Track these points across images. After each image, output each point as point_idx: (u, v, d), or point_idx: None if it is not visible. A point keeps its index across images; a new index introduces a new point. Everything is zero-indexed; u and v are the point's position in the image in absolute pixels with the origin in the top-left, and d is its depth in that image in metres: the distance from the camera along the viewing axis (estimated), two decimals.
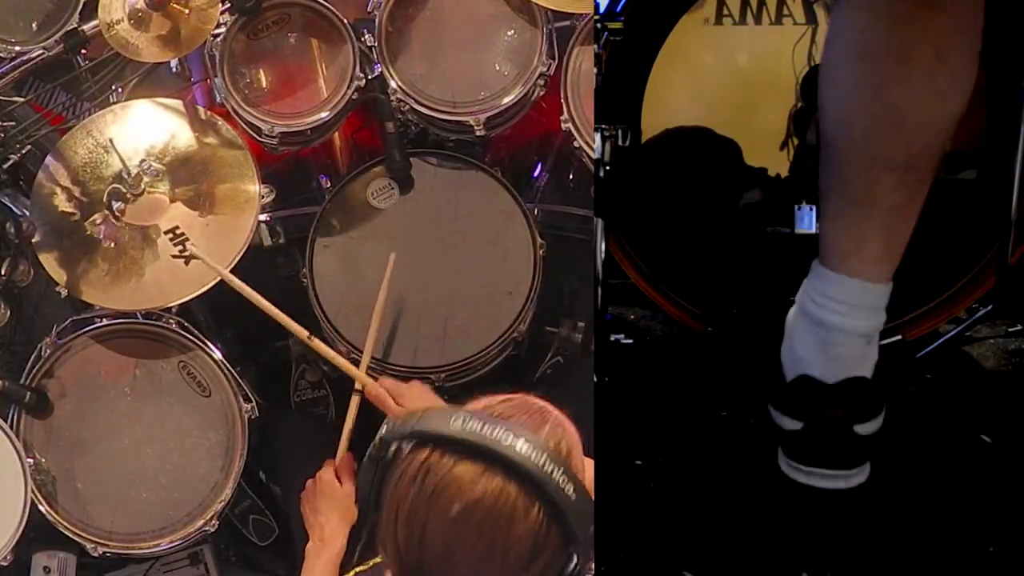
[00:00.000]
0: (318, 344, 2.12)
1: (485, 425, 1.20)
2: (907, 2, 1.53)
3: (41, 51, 2.31)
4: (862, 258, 1.67)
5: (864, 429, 1.67)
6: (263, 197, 2.21)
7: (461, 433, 1.20)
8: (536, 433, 1.22)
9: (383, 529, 1.24)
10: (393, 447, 1.27)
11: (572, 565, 1.22)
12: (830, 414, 1.67)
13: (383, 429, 1.28)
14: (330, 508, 1.96)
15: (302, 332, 2.10)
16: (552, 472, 1.19)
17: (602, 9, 2.15)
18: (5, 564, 2.03)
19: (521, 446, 1.19)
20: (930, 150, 1.62)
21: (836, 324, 1.69)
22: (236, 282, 2.10)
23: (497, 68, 2.30)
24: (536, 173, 2.60)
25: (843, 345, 1.69)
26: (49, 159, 2.24)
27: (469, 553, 1.19)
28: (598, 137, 2.06)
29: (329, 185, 2.39)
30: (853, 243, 1.68)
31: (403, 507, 1.21)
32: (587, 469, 1.35)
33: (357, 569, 1.59)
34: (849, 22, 1.61)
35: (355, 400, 2.09)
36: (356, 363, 2.13)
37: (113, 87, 2.30)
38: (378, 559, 1.53)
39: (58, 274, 2.15)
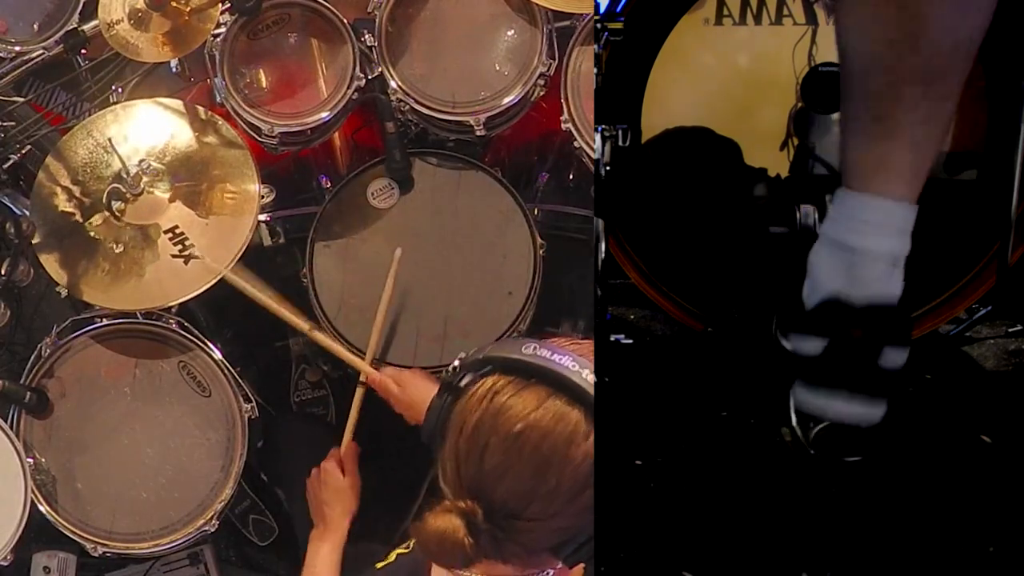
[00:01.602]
0: (320, 336, 2.12)
1: (554, 353, 1.28)
2: None
3: (41, 51, 2.31)
4: (887, 176, 1.64)
5: (889, 360, 1.64)
6: (263, 197, 2.20)
7: (531, 358, 1.28)
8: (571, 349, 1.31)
9: (445, 451, 1.29)
10: (467, 377, 1.34)
11: None
12: (855, 333, 1.64)
13: (457, 361, 1.37)
14: (333, 498, 2.00)
15: (302, 325, 2.11)
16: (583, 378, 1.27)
17: (602, 9, 2.15)
18: (5, 564, 2.03)
19: (587, 375, 1.26)
20: (953, 62, 1.59)
21: (861, 245, 1.65)
22: (238, 281, 2.10)
23: (497, 68, 2.30)
24: (536, 173, 2.60)
25: (869, 266, 1.65)
26: (49, 159, 2.24)
27: (524, 470, 1.24)
28: (598, 137, 2.06)
29: (329, 185, 2.39)
30: (877, 161, 1.64)
31: (468, 423, 1.27)
32: None
33: (399, 551, 1.60)
34: None
35: (359, 392, 2.10)
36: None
37: (113, 87, 2.30)
38: (411, 543, 1.55)
39: (58, 274, 2.15)
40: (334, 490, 2.01)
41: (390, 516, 2.01)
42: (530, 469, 1.23)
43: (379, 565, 1.59)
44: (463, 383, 1.34)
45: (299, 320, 2.18)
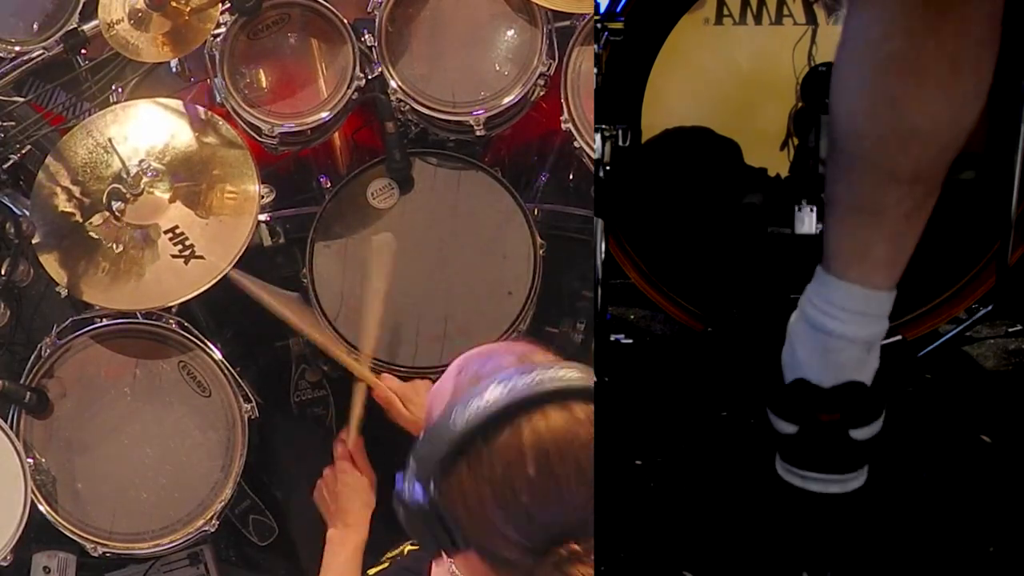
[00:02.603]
0: (320, 340, 2.11)
1: (480, 404, 1.18)
2: (925, 14, 1.51)
3: (41, 51, 2.31)
4: (866, 265, 1.66)
5: (860, 434, 1.67)
6: (263, 197, 2.21)
7: (468, 425, 1.18)
8: (542, 360, 1.25)
9: (485, 535, 1.20)
10: (432, 489, 1.22)
11: None
12: (824, 418, 1.66)
13: (397, 486, 1.25)
14: (352, 496, 1.94)
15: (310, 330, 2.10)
16: (558, 372, 1.20)
17: (602, 9, 2.15)
18: (5, 564, 2.03)
19: (519, 383, 1.19)
20: (940, 162, 1.61)
21: (837, 330, 1.68)
22: (244, 282, 2.09)
23: (497, 68, 2.30)
24: (536, 173, 2.60)
25: (843, 351, 1.68)
26: (49, 159, 2.24)
27: (569, 483, 1.18)
28: (598, 137, 2.06)
29: (329, 185, 2.39)
30: (858, 250, 1.66)
31: (488, 511, 1.18)
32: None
33: (392, 554, 1.58)
34: (862, 31, 1.59)
35: (361, 388, 2.08)
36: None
37: (113, 87, 2.30)
38: (411, 546, 1.52)
39: (58, 274, 2.15)
40: (353, 487, 1.94)
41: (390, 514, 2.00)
42: (571, 476, 1.20)
43: (372, 572, 1.58)
44: (431, 491, 1.21)
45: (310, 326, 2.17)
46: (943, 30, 1.52)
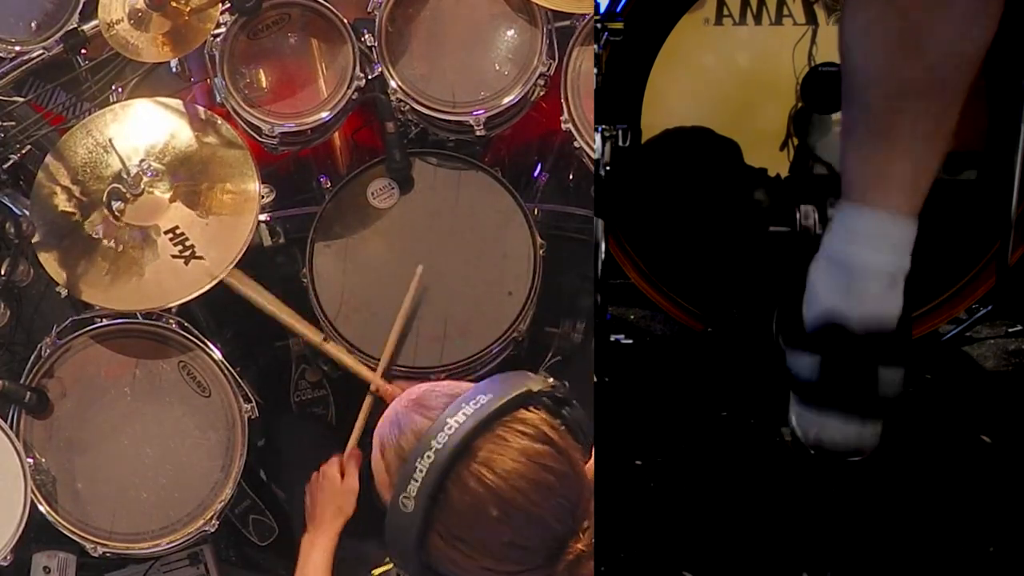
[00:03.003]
0: (331, 349, 2.12)
1: (414, 467, 1.20)
2: None
3: (41, 51, 2.31)
4: (887, 189, 1.62)
5: (885, 380, 1.63)
6: (263, 197, 2.21)
7: (411, 499, 1.20)
8: (440, 399, 1.26)
9: (497, 567, 1.23)
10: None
11: None
12: (853, 355, 1.62)
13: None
14: (329, 500, 2.00)
15: (315, 337, 2.11)
16: (497, 397, 1.23)
17: (602, 9, 2.15)
18: (5, 564, 2.03)
19: (450, 427, 1.21)
20: (955, 77, 1.58)
21: (860, 260, 1.63)
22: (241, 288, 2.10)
23: (497, 68, 2.30)
24: (536, 173, 2.60)
25: (868, 283, 1.63)
26: (49, 159, 2.24)
27: (536, 503, 1.21)
28: (598, 137, 2.06)
29: (329, 185, 2.39)
30: (877, 174, 1.62)
31: (473, 557, 1.22)
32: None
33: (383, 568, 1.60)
34: None
35: (368, 401, 2.11)
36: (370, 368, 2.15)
37: (113, 87, 2.30)
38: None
39: (58, 274, 2.15)
40: (330, 493, 2.02)
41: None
42: (536, 495, 1.20)
43: (377, 572, 1.59)
44: (424, 569, 1.25)
45: (311, 330, 2.18)
46: None
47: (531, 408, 1.24)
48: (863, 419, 1.63)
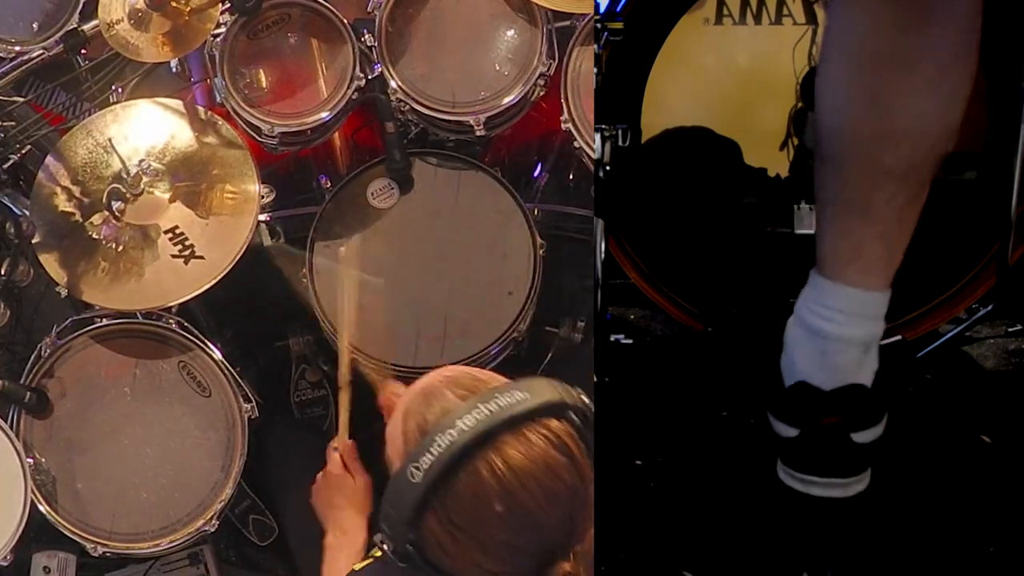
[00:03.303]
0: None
1: (426, 451, 1.19)
2: (914, 12, 1.51)
3: (41, 51, 2.31)
4: (860, 266, 1.66)
5: (862, 437, 1.67)
6: (263, 197, 2.21)
7: (425, 477, 1.19)
8: (485, 388, 1.25)
9: (482, 564, 1.22)
10: (410, 538, 1.23)
11: None
12: (826, 421, 1.66)
13: (378, 539, 1.26)
14: (347, 503, 1.90)
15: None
16: (533, 398, 1.22)
17: (602, 9, 2.15)
18: (5, 564, 2.03)
19: (462, 426, 1.20)
20: (930, 159, 1.61)
21: (833, 333, 1.68)
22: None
23: (497, 68, 2.30)
24: (536, 173, 2.60)
25: (841, 354, 1.68)
26: (49, 159, 2.24)
27: (540, 508, 1.20)
28: (598, 137, 2.06)
29: (329, 185, 2.39)
30: (851, 251, 1.66)
31: (468, 553, 1.21)
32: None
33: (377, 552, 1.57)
34: (849, 29, 1.59)
35: (346, 393, 2.07)
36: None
37: (113, 87, 2.30)
38: (377, 553, 1.52)
39: (58, 274, 2.15)
40: (347, 493, 1.91)
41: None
42: (542, 502, 1.19)
43: (358, 567, 1.57)
44: (411, 549, 1.23)
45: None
46: (928, 26, 1.52)
47: (560, 419, 1.24)
48: (844, 478, 1.66)
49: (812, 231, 2.14)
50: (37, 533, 2.14)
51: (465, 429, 1.19)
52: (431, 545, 1.22)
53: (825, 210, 1.70)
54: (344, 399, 2.06)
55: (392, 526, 1.23)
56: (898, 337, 2.14)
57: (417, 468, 1.19)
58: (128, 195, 2.17)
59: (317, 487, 1.95)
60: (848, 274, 1.67)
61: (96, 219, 2.18)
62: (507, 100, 2.27)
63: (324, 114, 2.24)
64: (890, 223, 1.64)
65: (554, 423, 1.23)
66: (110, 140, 2.21)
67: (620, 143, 2.09)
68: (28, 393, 2.12)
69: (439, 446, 1.19)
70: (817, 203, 1.72)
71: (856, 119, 1.60)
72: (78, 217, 2.19)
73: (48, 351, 2.17)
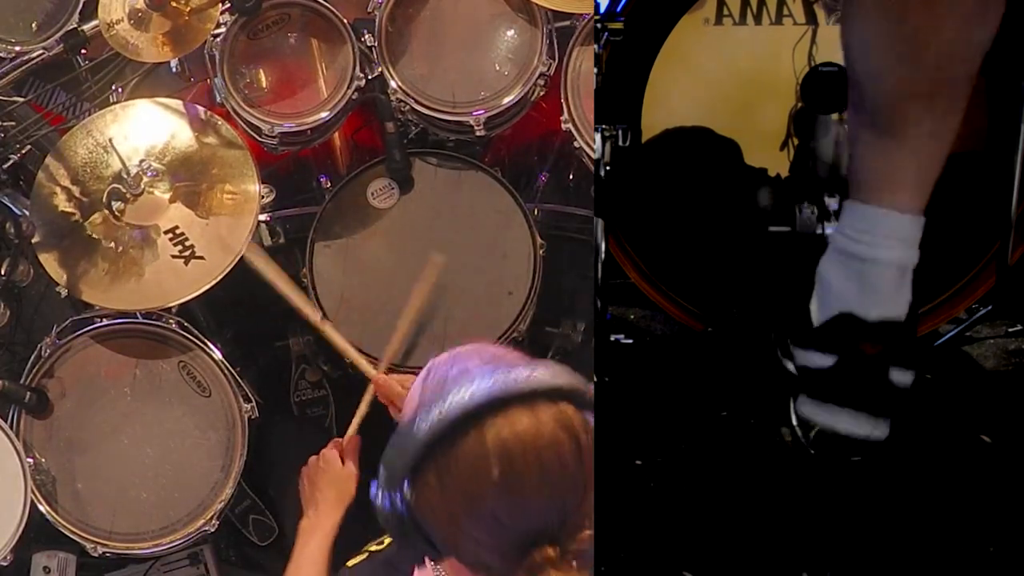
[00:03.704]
0: (331, 333, 2.10)
1: (440, 411, 1.19)
2: None
3: (41, 51, 2.31)
4: (893, 188, 1.67)
5: (898, 377, 1.65)
6: (263, 197, 2.21)
7: (438, 425, 1.18)
8: (511, 361, 1.24)
9: (459, 545, 1.21)
10: (400, 495, 1.22)
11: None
12: (869, 350, 1.65)
13: (374, 490, 1.25)
14: (328, 485, 1.93)
15: (314, 316, 2.09)
16: (517, 374, 1.20)
17: (602, 9, 2.15)
18: (5, 564, 2.03)
19: (475, 390, 1.19)
20: (957, 77, 1.61)
21: (871, 255, 1.68)
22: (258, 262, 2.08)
23: (497, 68, 2.30)
24: (536, 173, 2.60)
25: (879, 276, 1.67)
26: (49, 159, 2.24)
27: (532, 485, 1.18)
28: (598, 137, 2.06)
29: (329, 185, 2.39)
30: (885, 173, 1.67)
31: (455, 515, 1.19)
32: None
33: (372, 547, 1.57)
34: None
35: (372, 388, 2.08)
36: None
37: (113, 87, 2.30)
38: (372, 548, 1.52)
39: (58, 274, 2.15)
40: (332, 477, 1.93)
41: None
42: (534, 478, 1.20)
43: (350, 563, 1.57)
44: (402, 502, 1.22)
45: (311, 310, 2.16)
46: None
47: (577, 407, 1.24)
48: (875, 416, 1.65)
49: (812, 231, 2.16)
50: (37, 533, 2.14)
51: (479, 390, 1.19)
52: (423, 501, 1.21)
53: (856, 134, 1.70)
54: (368, 394, 2.06)
55: (390, 471, 1.22)
56: None
57: (427, 418, 1.19)
58: (128, 195, 2.17)
59: (306, 469, 1.97)
60: (882, 195, 1.68)
61: (96, 219, 2.18)
62: (507, 100, 2.27)
63: (324, 114, 2.25)
64: (921, 144, 1.64)
65: (570, 409, 1.23)
66: (110, 140, 2.21)
67: (620, 143, 2.09)
68: (28, 393, 2.12)
69: (451, 401, 1.19)
70: (848, 129, 1.73)
71: (879, 38, 1.60)
72: (78, 217, 2.19)
73: (48, 351, 2.17)
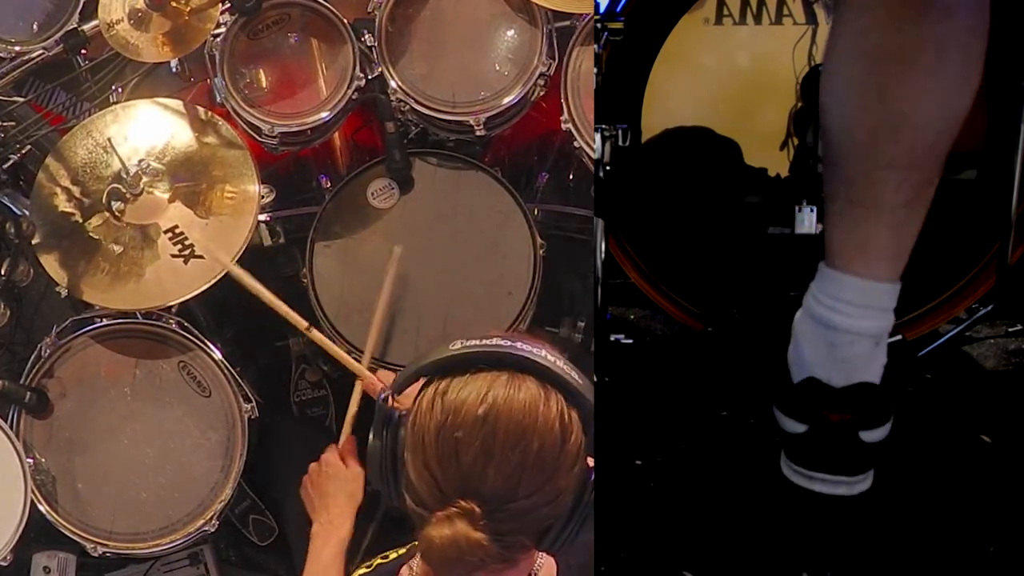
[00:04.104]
0: (318, 337, 2.11)
1: (482, 340, 1.26)
2: (910, 6, 1.52)
3: (41, 51, 2.31)
4: (868, 258, 1.66)
5: (870, 436, 1.66)
6: (263, 197, 2.21)
7: (463, 350, 1.26)
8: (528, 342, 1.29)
9: (412, 472, 1.26)
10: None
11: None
12: (835, 418, 1.66)
13: (383, 393, 1.32)
14: (337, 490, 1.92)
15: (301, 323, 2.10)
16: (556, 361, 1.25)
17: (602, 9, 2.15)
18: (5, 564, 2.03)
19: (522, 346, 1.25)
20: (934, 151, 1.61)
21: (844, 325, 1.67)
22: (242, 275, 2.09)
23: (497, 68, 2.30)
24: (536, 173, 2.60)
25: (851, 347, 1.67)
26: (49, 159, 2.24)
27: (504, 447, 1.21)
28: (598, 137, 2.06)
29: (329, 185, 2.39)
30: (859, 243, 1.66)
31: (429, 434, 1.24)
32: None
33: (361, 571, 1.58)
34: (851, 24, 1.60)
35: (359, 386, 2.09)
36: (357, 360, 2.14)
37: (113, 87, 2.30)
38: (407, 547, 1.53)
39: (58, 274, 2.15)
40: (340, 480, 1.93)
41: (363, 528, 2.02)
42: (510, 442, 1.21)
43: (358, 574, 1.57)
44: (399, 411, 1.30)
45: (298, 318, 2.17)
46: (927, 17, 1.52)
47: (569, 403, 1.25)
48: (850, 476, 1.66)
49: (812, 231, 2.16)
50: (37, 533, 2.14)
51: (519, 346, 1.25)
52: (414, 419, 1.26)
53: (832, 203, 1.70)
54: (356, 393, 2.07)
55: (406, 375, 1.30)
56: (898, 337, 2.14)
57: (464, 342, 1.27)
58: (128, 195, 2.17)
59: (309, 476, 1.97)
60: (857, 265, 1.67)
61: (96, 219, 2.18)
62: (507, 100, 2.27)
63: (324, 114, 2.25)
64: (897, 215, 1.63)
65: (561, 400, 1.25)
66: (110, 140, 2.21)
67: (620, 143, 2.10)
68: (28, 393, 2.12)
69: (492, 340, 1.26)
70: (824, 195, 1.72)
71: (858, 112, 1.60)
72: (78, 217, 2.19)
73: (48, 351, 2.17)
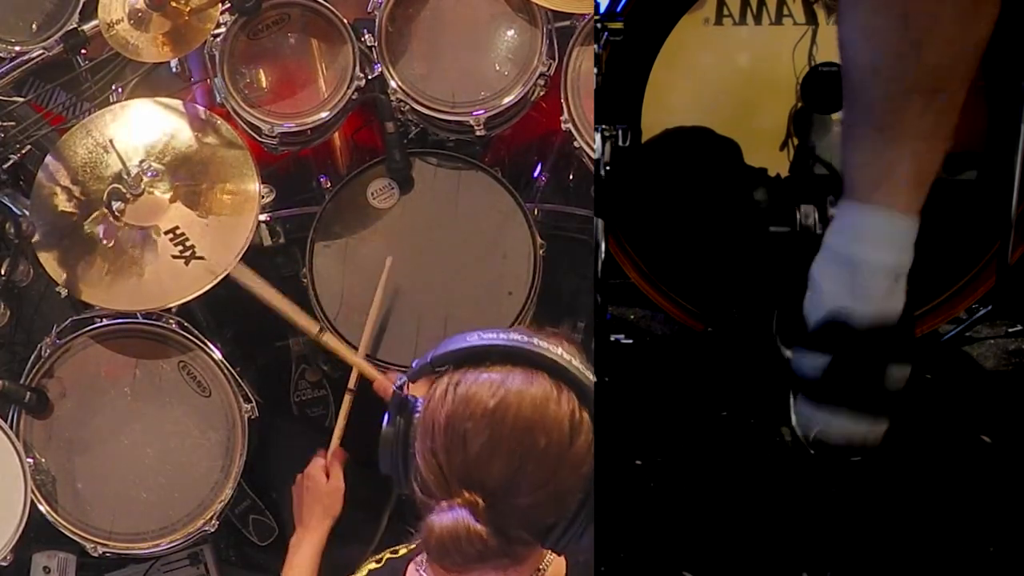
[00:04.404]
0: (329, 340, 2.13)
1: (499, 333, 1.28)
2: None
3: (41, 51, 2.31)
4: (890, 187, 1.63)
5: (892, 376, 1.65)
6: (263, 197, 2.20)
7: (480, 342, 1.27)
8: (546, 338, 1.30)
9: (421, 454, 1.27)
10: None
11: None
12: (861, 352, 1.63)
13: (399, 380, 1.33)
14: (313, 501, 2.02)
15: (312, 328, 2.11)
16: (572, 360, 1.26)
17: (602, 9, 2.15)
18: (5, 564, 2.03)
19: (538, 342, 1.27)
20: (956, 73, 1.59)
21: (864, 258, 1.65)
22: (248, 277, 2.10)
23: (497, 68, 2.31)
24: (536, 173, 2.60)
25: (872, 280, 1.65)
26: (49, 159, 2.24)
27: (511, 441, 1.22)
28: (598, 137, 2.06)
29: (329, 185, 2.39)
30: (880, 173, 1.64)
31: (438, 422, 1.25)
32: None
33: (370, 566, 1.59)
34: None
35: (348, 399, 2.12)
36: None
37: (113, 87, 2.30)
38: (417, 544, 1.54)
39: (58, 274, 2.15)
40: (316, 494, 2.03)
41: (375, 523, 2.03)
42: (516, 436, 1.22)
43: (368, 568, 1.58)
44: (413, 398, 1.32)
45: (308, 322, 2.19)
46: None
47: (582, 402, 1.26)
48: (872, 416, 1.64)
49: (813, 231, 2.15)
50: (37, 533, 2.14)
51: (536, 342, 1.26)
52: (427, 406, 1.27)
53: (851, 133, 1.68)
54: (345, 406, 2.10)
55: (422, 364, 1.32)
56: None
57: (482, 333, 1.29)
58: (128, 195, 2.17)
59: (295, 486, 2.08)
60: (877, 196, 1.64)
61: (96, 219, 2.18)
62: (507, 100, 2.27)
63: (324, 114, 2.25)
64: (917, 142, 1.62)
65: (574, 399, 1.25)
66: (110, 140, 2.21)
67: (620, 143, 2.09)
68: (28, 393, 2.12)
69: (480, 336, 1.29)
70: (844, 126, 1.70)
71: (878, 34, 1.58)
72: (78, 217, 2.19)
73: (48, 351, 2.17)
